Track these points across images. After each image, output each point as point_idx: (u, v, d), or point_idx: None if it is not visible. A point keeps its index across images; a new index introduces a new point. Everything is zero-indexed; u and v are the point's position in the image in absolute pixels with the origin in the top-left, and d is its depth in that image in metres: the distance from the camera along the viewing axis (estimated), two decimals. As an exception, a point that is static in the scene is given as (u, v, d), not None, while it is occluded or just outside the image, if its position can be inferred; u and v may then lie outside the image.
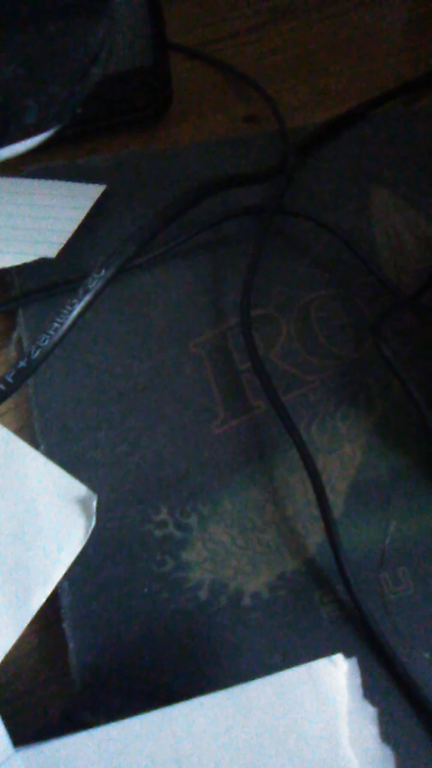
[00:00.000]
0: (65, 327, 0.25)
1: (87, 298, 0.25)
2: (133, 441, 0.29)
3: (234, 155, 0.38)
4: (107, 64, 0.23)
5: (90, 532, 0.22)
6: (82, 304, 0.25)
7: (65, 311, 0.25)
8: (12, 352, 0.32)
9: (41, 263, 0.30)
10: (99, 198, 0.34)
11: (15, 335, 0.32)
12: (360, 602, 0.25)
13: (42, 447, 0.29)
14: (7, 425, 0.27)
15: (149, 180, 0.37)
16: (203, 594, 0.26)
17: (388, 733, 0.20)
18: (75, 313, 0.25)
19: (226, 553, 0.27)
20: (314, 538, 0.27)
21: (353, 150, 0.38)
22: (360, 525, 0.27)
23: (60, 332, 0.24)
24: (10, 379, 0.24)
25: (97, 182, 0.35)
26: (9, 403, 0.30)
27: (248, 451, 0.29)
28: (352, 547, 0.27)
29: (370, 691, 0.20)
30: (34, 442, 0.29)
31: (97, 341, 0.31)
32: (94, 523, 0.22)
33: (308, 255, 0.34)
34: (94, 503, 0.22)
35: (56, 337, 0.24)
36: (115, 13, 0.22)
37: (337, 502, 0.28)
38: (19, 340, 0.32)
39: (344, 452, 0.29)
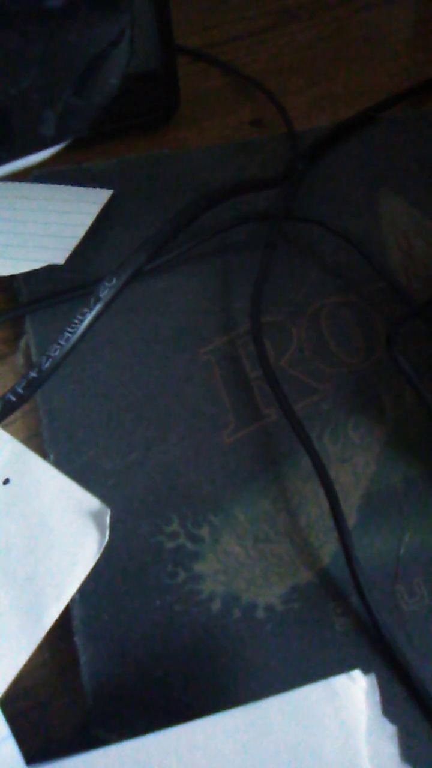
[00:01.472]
0: (76, 337, 0.24)
1: (98, 307, 0.25)
2: (144, 450, 0.29)
3: (241, 159, 0.38)
4: (125, 74, 0.23)
5: (103, 547, 0.21)
6: (94, 313, 0.25)
7: (76, 321, 0.24)
8: (20, 359, 0.31)
9: (48, 269, 0.30)
10: (106, 203, 0.33)
11: (22, 342, 0.32)
12: (375, 614, 0.25)
13: (51, 457, 0.28)
14: (15, 434, 0.27)
15: (156, 184, 0.37)
16: (216, 606, 0.26)
17: (408, 752, 0.20)
18: (86, 322, 0.24)
19: (238, 565, 0.26)
20: (327, 549, 0.27)
21: (362, 154, 0.38)
22: (374, 536, 0.27)
23: (71, 342, 0.24)
24: (21, 390, 0.23)
25: (103, 187, 0.34)
26: (17, 411, 0.29)
27: (260, 461, 0.29)
28: (366, 559, 0.26)
29: (386, 706, 0.20)
30: (42, 451, 0.29)
31: (106, 348, 0.31)
32: (107, 537, 0.21)
33: (318, 261, 0.34)
34: (108, 517, 0.21)
35: (67, 347, 0.24)
36: (134, 21, 0.22)
37: (350, 513, 0.27)
38: (27, 347, 0.31)
39: (357, 462, 0.28)
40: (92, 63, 0.20)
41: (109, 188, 0.34)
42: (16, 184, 0.34)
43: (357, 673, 0.20)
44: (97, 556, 0.21)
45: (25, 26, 0.18)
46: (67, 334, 0.24)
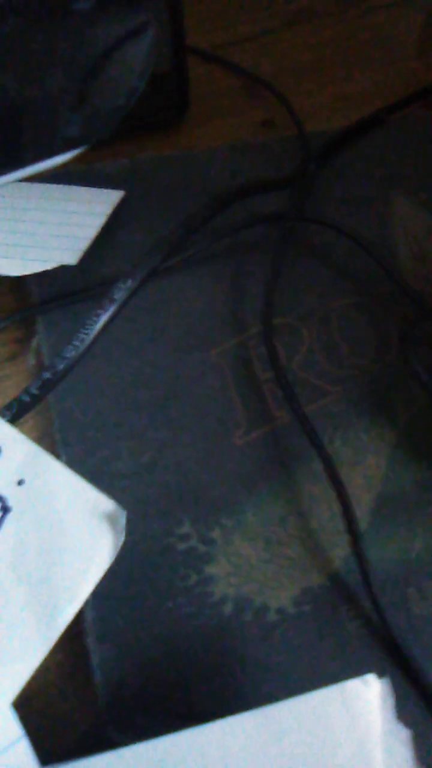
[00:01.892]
0: (90, 338, 0.24)
1: (112, 308, 0.25)
2: (155, 452, 0.29)
3: (252, 160, 0.38)
4: (148, 76, 0.23)
5: (119, 549, 0.21)
6: (108, 314, 0.25)
7: (91, 322, 0.24)
8: (31, 360, 0.31)
9: (59, 270, 0.30)
10: (118, 204, 0.33)
11: (34, 343, 0.32)
12: (387, 618, 0.25)
13: (63, 457, 0.28)
14: (27, 434, 0.27)
15: (167, 185, 0.37)
16: (228, 609, 0.26)
17: (424, 756, 0.20)
18: (100, 324, 0.24)
19: (250, 567, 0.26)
20: (339, 551, 0.27)
21: (373, 156, 0.38)
22: (385, 539, 0.27)
23: (85, 344, 0.24)
24: (35, 391, 0.23)
25: (115, 187, 0.34)
26: (30, 412, 0.29)
27: (271, 463, 0.29)
28: (377, 562, 0.26)
29: (400, 710, 0.20)
30: (54, 452, 0.29)
31: (117, 349, 0.31)
32: (122, 539, 0.21)
33: (329, 263, 0.34)
34: (123, 519, 0.21)
35: (82, 349, 0.24)
36: (158, 23, 0.22)
37: (361, 516, 0.27)
38: (38, 348, 0.31)
39: (368, 464, 0.28)
40: (116, 65, 0.20)
41: (120, 189, 0.34)
42: (28, 185, 0.34)
43: (371, 677, 0.20)
44: (112, 558, 0.21)
45: (52, 28, 0.18)
46: (82, 336, 0.24)
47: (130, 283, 0.25)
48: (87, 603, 0.25)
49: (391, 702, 0.20)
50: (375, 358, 0.31)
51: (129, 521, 0.27)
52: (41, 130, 0.21)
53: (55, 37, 0.18)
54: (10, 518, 0.22)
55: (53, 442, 0.29)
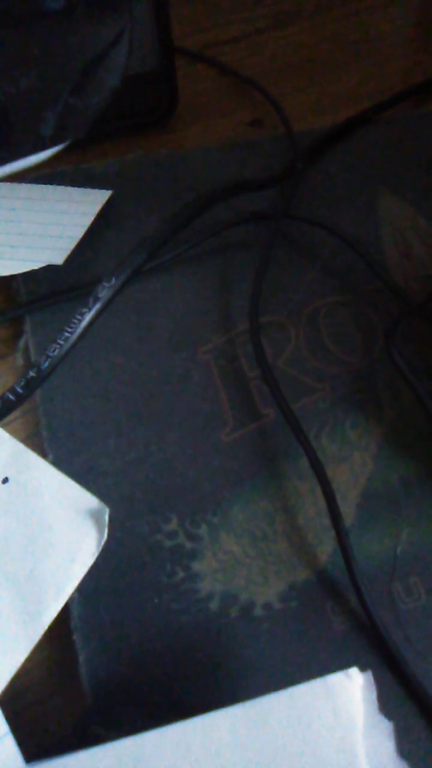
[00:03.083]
0: (75, 336, 0.24)
1: (97, 307, 0.25)
2: (142, 449, 0.29)
3: (240, 160, 0.38)
4: (124, 75, 0.23)
5: (102, 545, 0.21)
6: (92, 313, 0.25)
7: (75, 320, 0.24)
8: (19, 359, 0.31)
9: (47, 270, 0.30)
10: (105, 203, 0.34)
11: (21, 342, 0.32)
12: (372, 613, 0.25)
13: (50, 456, 0.28)
14: (14, 434, 0.27)
15: (155, 185, 0.37)
16: (214, 605, 0.26)
17: (404, 748, 0.20)
18: (85, 322, 0.24)
19: (236, 564, 0.27)
20: (325, 547, 0.27)
21: (361, 154, 0.38)
22: (371, 534, 0.27)
23: (70, 342, 0.24)
24: (20, 389, 0.24)
25: (102, 187, 0.34)
26: (17, 411, 0.29)
27: (258, 460, 0.29)
28: (363, 557, 0.26)
29: (384, 703, 0.20)
30: (42, 451, 0.29)
31: (104, 348, 0.31)
32: (106, 536, 0.21)
33: (316, 261, 0.34)
34: (106, 516, 0.21)
35: (66, 347, 0.24)
36: (134, 23, 0.22)
37: (347, 512, 0.28)
38: (26, 348, 0.31)
39: (354, 461, 0.29)
40: (91, 64, 0.21)
41: (108, 189, 0.34)
42: (16, 185, 0.34)
43: (353, 671, 0.20)
44: (96, 555, 0.22)
45: (25, 27, 0.18)
46: (66, 334, 0.24)
47: (114, 281, 0.25)
48: (74, 599, 0.25)
49: (374, 695, 0.20)
50: (361, 355, 0.31)
51: (116, 518, 0.27)
52: (16, 129, 0.21)
53: (28, 36, 0.18)
54: (-6, 515, 0.22)
55: (41, 441, 0.29)
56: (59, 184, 0.34)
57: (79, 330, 0.24)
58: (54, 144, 0.24)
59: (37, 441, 0.29)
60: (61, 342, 0.24)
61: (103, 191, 0.34)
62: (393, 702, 0.24)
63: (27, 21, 0.18)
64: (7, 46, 0.18)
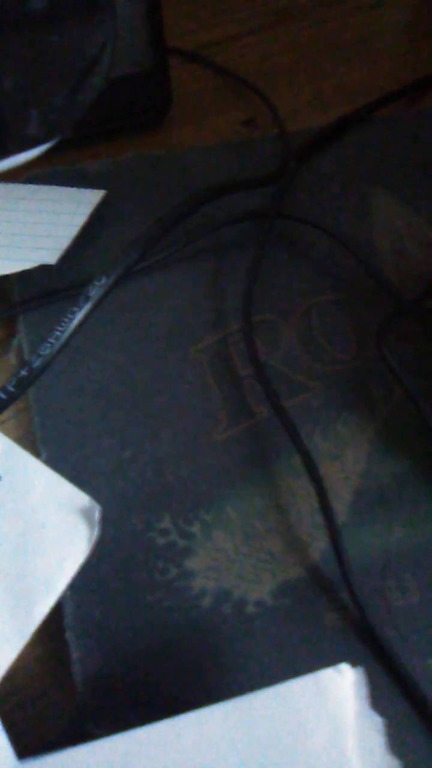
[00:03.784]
0: (66, 335, 0.24)
1: (88, 306, 0.25)
2: (135, 448, 0.29)
3: (234, 159, 0.38)
4: (109, 73, 0.23)
5: (93, 543, 0.21)
6: (84, 312, 0.25)
7: (66, 319, 0.24)
8: (12, 359, 0.32)
9: (41, 269, 0.30)
10: (99, 203, 0.34)
11: (15, 342, 0.32)
12: (365, 610, 0.25)
13: (43, 455, 0.29)
14: (7, 433, 0.27)
15: (149, 185, 0.37)
16: (207, 602, 0.26)
17: (395, 744, 0.20)
18: (76, 321, 0.25)
19: (229, 561, 0.27)
20: (318, 545, 0.27)
21: (354, 153, 0.38)
22: (364, 532, 0.27)
23: (61, 340, 0.24)
24: (11, 388, 0.24)
25: (96, 187, 0.35)
26: (10, 410, 0.29)
27: (251, 458, 0.29)
28: (356, 555, 0.26)
29: (376, 700, 0.20)
30: (35, 450, 0.29)
31: (98, 347, 0.31)
32: (97, 533, 0.21)
33: (309, 260, 0.34)
34: (98, 514, 0.21)
35: (57, 346, 0.24)
36: (117, 21, 0.22)
37: (340, 509, 0.28)
38: (20, 347, 0.32)
39: (347, 458, 0.29)
40: (75, 63, 0.21)
41: (101, 189, 0.34)
42: (9, 185, 0.34)
43: (344, 667, 0.20)
44: (87, 553, 0.22)
45: (8, 28, 0.18)
46: (57, 333, 0.24)
47: (105, 280, 0.25)
48: (67, 597, 0.25)
49: (365, 691, 0.20)
50: (354, 354, 0.31)
51: (109, 516, 0.27)
52: (2, 128, 0.21)
53: (12, 36, 0.18)
54: (-14, 514, 0.22)
55: (34, 440, 0.29)
56: (53, 184, 0.35)
57: (70, 329, 0.24)
58: (41, 143, 0.24)
59: (30, 440, 0.29)
60: (53, 341, 0.24)
61: (97, 191, 0.34)
62: (384, 698, 0.24)
63: (10, 21, 0.18)
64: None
